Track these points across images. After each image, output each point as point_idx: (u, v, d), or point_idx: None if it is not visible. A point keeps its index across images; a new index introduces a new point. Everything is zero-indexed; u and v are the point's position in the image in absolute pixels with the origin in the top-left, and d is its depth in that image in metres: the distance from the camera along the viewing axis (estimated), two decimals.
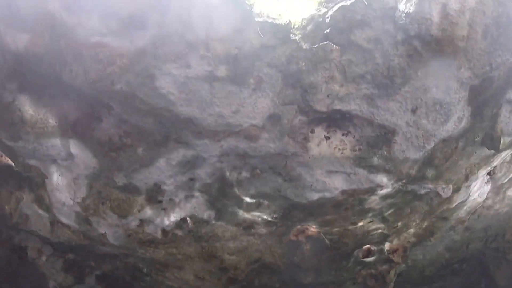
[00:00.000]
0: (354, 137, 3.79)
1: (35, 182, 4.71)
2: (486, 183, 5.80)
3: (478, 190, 5.72)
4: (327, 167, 3.93)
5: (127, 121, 3.79)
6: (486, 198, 6.05)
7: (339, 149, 3.83)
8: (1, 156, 4.60)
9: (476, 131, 4.63)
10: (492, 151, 4.99)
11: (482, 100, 4.39)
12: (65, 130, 4.26)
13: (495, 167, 5.62)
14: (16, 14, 3.71)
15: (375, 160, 4.00)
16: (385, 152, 3.98)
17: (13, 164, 4.58)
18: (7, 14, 3.73)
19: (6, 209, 4.92)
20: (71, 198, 4.68)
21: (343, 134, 3.78)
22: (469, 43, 3.97)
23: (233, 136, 3.70)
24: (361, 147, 3.86)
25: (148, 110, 3.60)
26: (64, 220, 4.88)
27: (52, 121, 4.23)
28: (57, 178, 4.63)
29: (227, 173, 3.98)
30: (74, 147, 4.32)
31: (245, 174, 4.00)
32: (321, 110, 3.57)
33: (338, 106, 3.57)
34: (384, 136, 3.88)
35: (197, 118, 3.52)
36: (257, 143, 3.74)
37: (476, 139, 4.75)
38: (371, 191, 4.25)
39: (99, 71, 3.55)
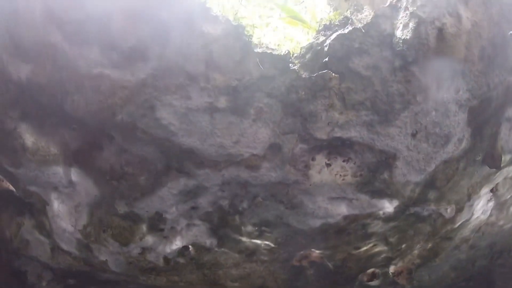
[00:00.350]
0: (355, 163, 3.79)
1: (36, 208, 4.69)
2: (489, 200, 5.77)
3: (482, 208, 5.69)
4: (329, 194, 3.93)
5: (128, 151, 3.80)
6: (490, 215, 6.01)
7: (340, 175, 3.83)
8: (2, 181, 4.61)
9: (477, 150, 4.63)
10: (494, 169, 4.99)
11: (481, 120, 4.41)
12: (67, 158, 4.27)
13: (497, 184, 5.60)
14: (19, 44, 3.77)
15: (377, 185, 3.99)
16: (386, 177, 3.97)
17: (14, 190, 4.58)
18: (10, 43, 3.79)
19: (6, 234, 4.90)
20: (72, 225, 4.65)
21: (344, 161, 3.78)
22: (467, 65, 4.01)
23: (234, 165, 3.71)
24: (362, 172, 3.86)
25: (149, 140, 3.62)
26: (64, 246, 4.84)
27: (53, 149, 4.24)
28: (58, 205, 4.62)
29: (229, 202, 3.96)
30: (76, 175, 4.32)
31: (246, 202, 3.99)
32: (321, 138, 3.58)
33: (338, 133, 3.58)
34: (385, 161, 3.88)
35: (198, 149, 3.54)
36: (258, 172, 3.74)
37: (477, 159, 4.75)
38: (374, 215, 4.23)
39: (101, 102, 3.58)
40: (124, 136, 3.70)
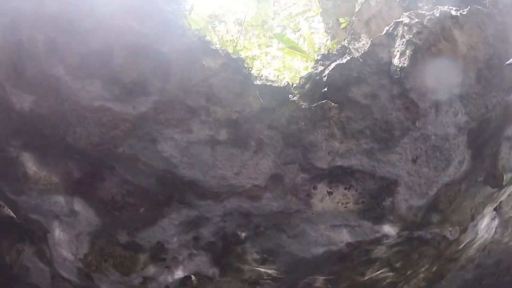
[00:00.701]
0: (356, 190, 3.78)
1: (36, 235, 4.66)
2: (493, 219, 5.72)
3: (486, 227, 5.64)
4: (331, 222, 3.90)
5: (130, 181, 3.80)
6: (495, 233, 5.95)
7: (342, 203, 3.81)
8: (3, 207, 4.59)
9: (478, 171, 4.63)
10: (496, 188, 4.97)
11: (481, 141, 4.42)
12: (68, 188, 4.27)
13: (501, 202, 5.57)
14: (22, 75, 3.81)
15: (379, 211, 3.97)
16: (388, 203, 3.96)
17: (14, 216, 4.56)
18: (13, 74, 3.83)
19: (6, 260, 4.85)
20: (72, 254, 4.62)
21: (345, 189, 3.78)
22: (464, 89, 4.05)
23: (236, 196, 3.70)
24: (364, 199, 3.85)
25: (151, 172, 3.62)
26: (65, 274, 4.79)
27: (55, 179, 4.24)
28: (59, 233, 4.59)
29: (231, 232, 3.94)
30: (77, 205, 4.31)
31: (249, 232, 3.97)
32: (322, 167, 3.58)
33: (339, 162, 3.59)
34: (387, 187, 3.87)
35: (199, 181, 3.54)
36: (260, 203, 3.73)
37: (479, 179, 4.74)
38: (377, 241, 4.19)
39: (102, 134, 3.60)
40: (125, 168, 3.71)
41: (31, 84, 3.82)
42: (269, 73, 3.41)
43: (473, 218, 5.09)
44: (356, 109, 3.47)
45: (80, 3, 3.54)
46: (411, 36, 3.56)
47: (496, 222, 5.77)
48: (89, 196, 4.19)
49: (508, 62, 3.24)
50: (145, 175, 3.67)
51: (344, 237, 4.03)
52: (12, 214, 4.57)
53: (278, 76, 3.43)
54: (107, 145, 3.61)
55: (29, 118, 3.93)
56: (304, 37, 3.70)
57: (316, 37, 4.10)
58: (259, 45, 3.79)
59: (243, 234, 4.01)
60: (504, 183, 4.98)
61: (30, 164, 4.21)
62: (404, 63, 3.53)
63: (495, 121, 4.47)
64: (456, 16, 3.90)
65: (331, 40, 3.83)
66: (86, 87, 3.60)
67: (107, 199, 4.08)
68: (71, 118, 3.78)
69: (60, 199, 4.24)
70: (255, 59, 3.44)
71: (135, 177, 3.75)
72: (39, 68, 3.74)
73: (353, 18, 3.75)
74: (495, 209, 5.60)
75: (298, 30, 4.18)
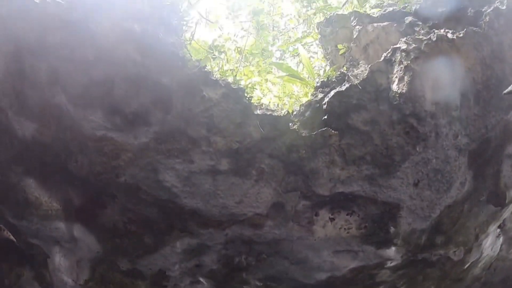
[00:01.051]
0: (358, 216, 3.77)
1: (36, 260, 4.62)
2: (497, 236, 5.67)
3: (491, 245, 5.59)
4: (334, 247, 3.88)
5: (131, 210, 3.79)
6: (500, 250, 5.89)
7: (344, 229, 3.80)
8: (3, 230, 4.57)
9: (480, 191, 4.60)
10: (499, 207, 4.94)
11: (482, 161, 4.41)
12: (69, 215, 4.26)
13: (505, 219, 5.53)
14: (24, 102, 3.83)
15: (382, 236, 3.95)
16: (391, 227, 3.94)
17: (14, 240, 4.53)
18: (15, 101, 3.86)
19: (5, 283, 4.80)
20: (73, 280, 4.57)
21: (347, 214, 3.76)
22: (463, 111, 4.06)
23: (237, 224, 3.69)
24: (367, 224, 3.83)
25: (153, 201, 3.62)
26: None
27: (56, 205, 4.23)
28: (59, 258, 4.56)
29: (233, 259, 3.91)
30: (78, 231, 4.29)
31: (251, 259, 3.94)
32: (323, 194, 3.58)
33: (340, 189, 3.58)
34: (389, 211, 3.86)
35: (201, 209, 3.53)
36: (262, 230, 3.72)
37: (481, 199, 4.71)
38: (381, 265, 4.15)
39: (104, 163, 3.62)
40: (127, 197, 3.71)
41: (33, 112, 3.85)
42: (270, 99, 3.43)
43: (477, 237, 5.05)
44: (356, 136, 3.48)
45: (82, 33, 3.59)
46: (409, 62, 3.60)
47: (501, 239, 5.71)
48: (90, 223, 4.17)
49: (507, 90, 3.26)
50: (147, 204, 3.67)
51: (347, 262, 3.99)
52: (12, 237, 4.55)
53: (278, 105, 3.45)
54: (108, 175, 3.62)
55: (31, 145, 3.95)
56: (303, 64, 3.74)
57: (315, 61, 4.14)
58: (259, 71, 3.83)
59: (246, 262, 3.97)
60: (507, 201, 4.95)
61: (32, 190, 4.20)
62: (403, 89, 3.56)
63: (496, 140, 4.47)
64: (453, 39, 3.95)
65: (330, 65, 3.87)
66: (88, 117, 3.62)
67: (109, 227, 4.07)
68: (73, 146, 3.80)
69: (61, 225, 4.22)
70: (255, 88, 3.46)
71: (136, 206, 3.74)
72: (42, 96, 3.77)
73: (351, 45, 3.80)
74: (499, 227, 5.55)
75: (297, 55, 4.22)
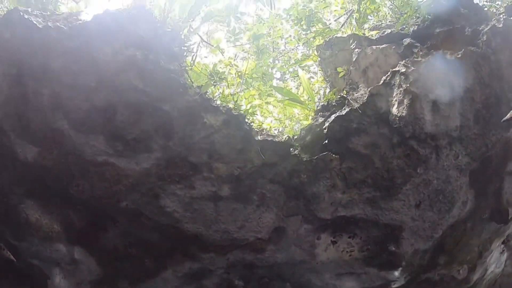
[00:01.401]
0: (361, 238, 3.76)
1: (36, 281, 4.59)
2: (501, 253, 5.63)
3: (495, 261, 5.54)
4: (337, 270, 3.86)
5: (132, 234, 3.79)
6: (505, 266, 5.84)
7: (346, 251, 3.78)
8: (3, 249, 4.55)
9: (483, 209, 4.59)
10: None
11: (483, 179, 4.40)
12: (70, 237, 4.25)
13: (509, 235, 5.49)
14: (27, 126, 3.86)
15: (385, 257, 3.93)
16: (393, 248, 3.92)
17: (14, 260, 4.51)
18: (18, 125, 3.88)
19: None
20: None
21: (349, 237, 3.75)
22: (463, 131, 4.08)
23: (239, 249, 3.68)
24: (369, 247, 3.82)
25: (154, 226, 3.62)
26: None
27: (57, 227, 4.22)
28: (59, 280, 4.53)
29: (235, 283, 3.90)
30: (79, 254, 4.27)
31: (253, 283, 3.92)
32: (325, 217, 3.58)
33: (342, 212, 3.59)
34: (391, 233, 3.85)
35: (202, 234, 3.53)
36: (264, 255, 3.71)
37: (484, 216, 4.69)
38: (384, 287, 4.12)
39: (105, 188, 3.63)
40: (128, 221, 3.71)
41: (35, 136, 3.87)
42: (270, 124, 3.45)
43: (481, 255, 5.01)
44: (357, 159, 3.49)
45: (84, 60, 3.64)
46: (408, 85, 3.63)
47: (505, 255, 5.67)
48: (91, 246, 4.16)
49: (505, 118, 3.28)
50: (148, 228, 3.67)
51: (350, 284, 3.97)
52: (12, 257, 4.53)
53: (279, 129, 3.47)
54: (110, 199, 3.63)
55: (33, 168, 3.96)
56: (303, 87, 3.77)
57: (315, 82, 4.17)
58: (259, 94, 3.86)
59: (247, 285, 3.95)
60: (510, 217, 4.92)
61: (32, 212, 4.20)
62: (402, 112, 3.58)
63: (496, 158, 4.47)
64: (451, 60, 3.98)
65: (330, 88, 3.90)
66: (89, 142, 3.65)
67: (109, 250, 4.06)
68: (75, 171, 3.81)
69: (62, 247, 4.21)
70: (255, 113, 3.49)
71: (137, 230, 3.74)
72: (44, 120, 3.80)
73: (351, 68, 3.84)
74: (503, 242, 5.51)
75: (297, 75, 4.25)
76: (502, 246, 5.58)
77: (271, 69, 4.19)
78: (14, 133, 3.93)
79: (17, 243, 4.24)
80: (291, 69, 4.42)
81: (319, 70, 4.16)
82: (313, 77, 4.53)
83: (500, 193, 4.73)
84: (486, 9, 4.91)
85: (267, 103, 3.79)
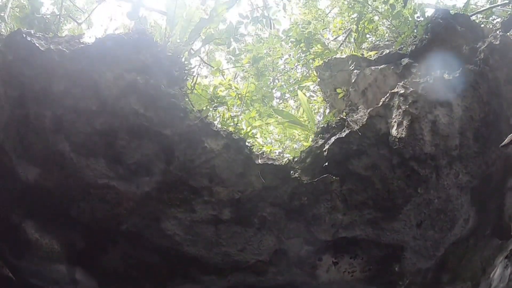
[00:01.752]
0: (362, 259, 3.75)
1: None
2: (505, 267, 5.58)
3: (499, 276, 5.48)
4: None
5: (133, 255, 3.78)
6: (509, 280, 5.79)
7: (348, 272, 3.77)
8: (2, 267, 4.53)
9: (485, 225, 4.57)
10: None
11: (484, 196, 4.39)
12: (70, 258, 4.23)
13: (511, 249, 5.46)
14: (28, 147, 3.87)
15: (387, 277, 3.91)
16: (396, 268, 3.90)
17: (14, 278, 4.49)
18: (19, 146, 3.90)
19: None
20: None
21: (351, 258, 3.74)
22: (463, 150, 4.08)
23: (240, 271, 3.68)
24: (371, 267, 3.80)
25: (154, 248, 3.61)
26: None
27: (57, 247, 4.21)
28: None
29: None
30: (79, 274, 4.25)
31: None
32: (326, 239, 3.58)
33: (343, 233, 3.58)
34: (393, 253, 3.84)
35: (203, 257, 3.53)
36: (265, 277, 3.69)
37: (486, 233, 4.67)
38: None
39: (106, 211, 3.63)
40: (129, 243, 3.71)
41: (37, 157, 3.88)
42: (271, 147, 3.46)
43: (484, 271, 4.97)
44: (358, 181, 3.50)
45: (85, 84, 3.67)
46: (407, 106, 3.64)
47: (509, 270, 5.61)
48: (91, 267, 4.15)
49: (503, 143, 3.29)
50: (149, 250, 3.67)
51: None
52: (11, 275, 4.51)
53: (279, 153, 3.48)
54: (110, 222, 3.63)
55: (34, 189, 3.97)
56: (303, 108, 3.80)
57: (315, 103, 4.19)
58: (259, 114, 3.88)
59: None
60: None
61: (33, 231, 4.19)
62: (402, 134, 3.59)
63: (497, 175, 4.46)
64: (449, 79, 4.00)
65: (330, 108, 3.92)
66: (90, 165, 3.66)
67: (110, 271, 4.04)
68: (75, 193, 3.81)
69: (62, 268, 4.19)
70: (255, 136, 3.51)
71: (138, 252, 3.74)
72: (45, 142, 3.82)
73: (350, 89, 3.87)
74: (506, 257, 5.48)
75: (297, 95, 4.28)
76: (506, 260, 5.54)
77: (271, 90, 4.22)
78: (15, 154, 3.96)
79: (16, 262, 4.22)
80: (291, 88, 4.46)
81: (319, 91, 4.19)
82: (312, 96, 4.56)
83: (501, 209, 4.71)
84: (482, 26, 4.97)
85: (267, 124, 3.81)
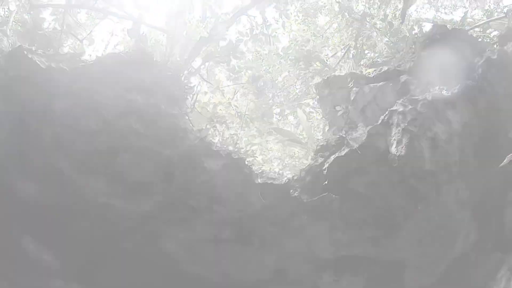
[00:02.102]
0: (363, 276, 3.73)
1: None
2: (508, 280, 5.55)
3: None
4: None
5: (132, 274, 3.76)
6: None
7: None
8: (1, 282, 4.49)
9: (486, 240, 4.55)
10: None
11: (485, 211, 4.38)
12: (69, 273, 4.22)
13: None
14: (28, 164, 3.88)
15: None
16: (397, 285, 3.88)
17: None
18: (19, 162, 3.90)
19: None
20: None
21: (352, 275, 3.72)
22: (462, 165, 4.08)
23: None
24: (372, 284, 3.78)
25: (154, 267, 3.59)
26: None
27: (56, 263, 4.20)
28: None
29: None
30: None
31: None
32: (327, 257, 3.56)
33: (343, 252, 3.57)
34: (394, 270, 3.81)
35: (203, 276, 3.51)
36: None
37: (488, 247, 4.65)
38: None
39: (105, 229, 3.62)
40: (128, 261, 3.69)
41: (36, 174, 3.88)
42: (271, 167, 3.47)
43: (487, 285, 4.94)
44: (358, 199, 3.50)
45: (86, 103, 3.69)
46: (406, 124, 3.65)
47: None
48: (89, 283, 4.12)
49: (503, 163, 3.30)
50: (148, 268, 3.64)
51: None
52: None
53: (278, 172, 3.48)
54: (110, 240, 3.62)
55: (33, 205, 3.96)
56: (302, 126, 3.82)
57: (315, 120, 4.21)
58: (259, 132, 3.89)
59: None
60: None
61: (31, 246, 4.18)
62: (401, 151, 3.59)
63: (497, 189, 4.45)
64: (448, 96, 4.02)
65: (329, 125, 3.94)
66: (90, 183, 3.66)
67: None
68: (75, 210, 3.81)
69: (60, 283, 4.17)
70: (255, 155, 3.52)
71: (137, 270, 3.71)
72: (45, 160, 3.82)
73: (349, 107, 3.89)
74: (509, 269, 5.44)
75: (295, 112, 4.31)
76: (509, 273, 5.50)
77: (271, 107, 4.25)
78: (15, 170, 3.96)
79: (15, 277, 4.20)
80: (290, 105, 4.49)
81: (318, 107, 4.21)
82: (312, 112, 4.58)
83: (502, 223, 4.70)
84: (480, 40, 5.00)
85: (267, 141, 3.82)
